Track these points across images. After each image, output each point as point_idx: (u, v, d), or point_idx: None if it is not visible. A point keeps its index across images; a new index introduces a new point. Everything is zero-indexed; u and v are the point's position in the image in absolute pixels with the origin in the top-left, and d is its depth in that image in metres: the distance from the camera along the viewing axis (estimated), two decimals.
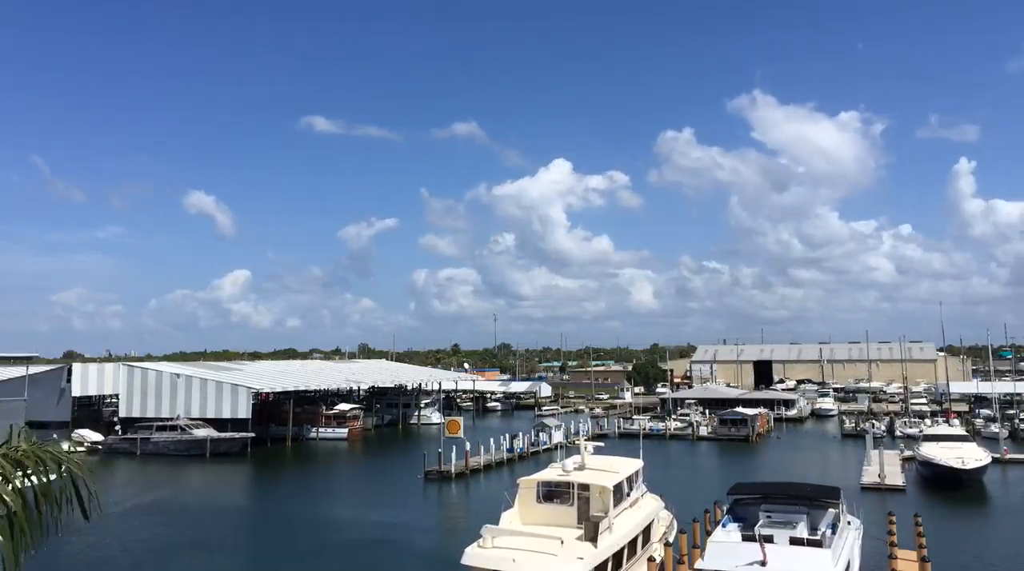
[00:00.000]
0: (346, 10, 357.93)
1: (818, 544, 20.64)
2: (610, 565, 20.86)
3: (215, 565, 30.20)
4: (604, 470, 24.39)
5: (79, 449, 68.53)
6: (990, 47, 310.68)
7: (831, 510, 23.47)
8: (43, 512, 7.23)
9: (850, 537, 22.86)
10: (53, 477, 7.50)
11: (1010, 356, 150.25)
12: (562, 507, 23.05)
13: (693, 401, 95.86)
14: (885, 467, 46.72)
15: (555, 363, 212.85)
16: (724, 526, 23.04)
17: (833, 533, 21.88)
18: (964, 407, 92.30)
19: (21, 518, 6.86)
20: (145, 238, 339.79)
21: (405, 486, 49.14)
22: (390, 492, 47.29)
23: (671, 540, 26.83)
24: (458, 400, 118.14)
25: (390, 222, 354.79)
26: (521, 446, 61.30)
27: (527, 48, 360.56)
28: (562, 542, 19.66)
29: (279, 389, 77.49)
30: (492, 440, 58.83)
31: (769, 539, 20.87)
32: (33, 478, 7.36)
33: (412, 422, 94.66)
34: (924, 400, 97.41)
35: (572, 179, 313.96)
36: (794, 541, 20.87)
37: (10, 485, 7.07)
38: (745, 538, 21.34)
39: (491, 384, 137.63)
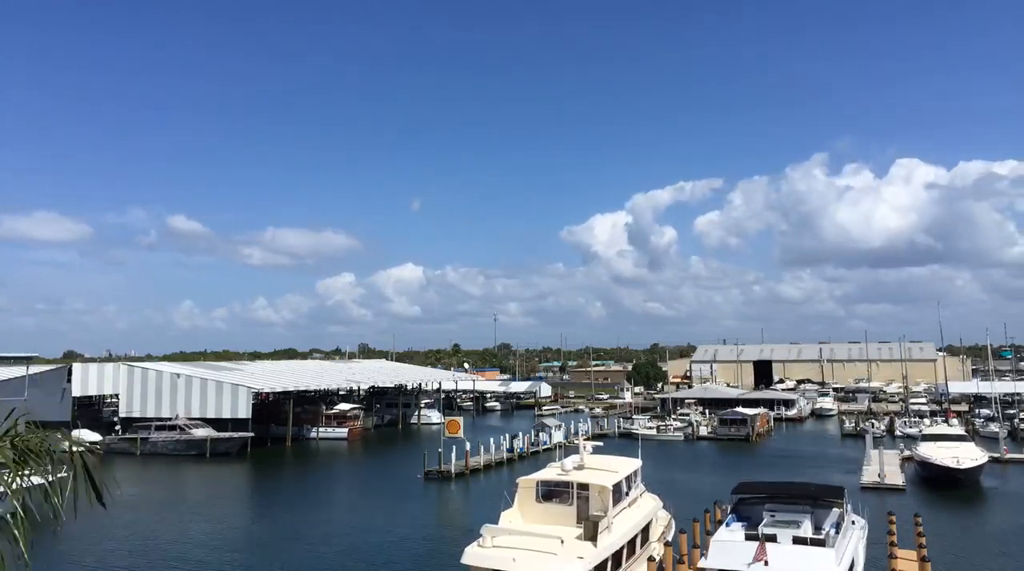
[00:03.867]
0: None
1: (822, 543, 20.59)
2: (609, 564, 20.84)
3: (214, 565, 30.19)
4: (603, 470, 24.37)
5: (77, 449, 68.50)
6: None
7: (835, 510, 23.44)
8: (53, 505, 7.24)
9: (854, 537, 22.83)
10: (62, 473, 7.52)
11: (1010, 356, 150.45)
12: (561, 506, 23.03)
13: (693, 401, 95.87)
14: (885, 467, 46.74)
15: (555, 363, 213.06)
16: (728, 525, 23.02)
17: (837, 533, 21.82)
18: (964, 407, 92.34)
19: (22, 514, 6.84)
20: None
21: (405, 486, 49.12)
22: (390, 492, 47.24)
23: (669, 539, 26.82)
24: (458, 400, 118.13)
25: None
26: (521, 446, 61.29)
27: None
28: (562, 541, 19.65)
29: (279, 389, 77.44)
30: (492, 440, 58.83)
31: (773, 538, 20.84)
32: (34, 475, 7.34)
33: (412, 422, 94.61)
34: (924, 400, 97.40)
35: None
36: (798, 540, 20.82)
37: (15, 477, 7.06)
38: (748, 537, 21.33)
39: (491, 384, 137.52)
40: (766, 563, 19.13)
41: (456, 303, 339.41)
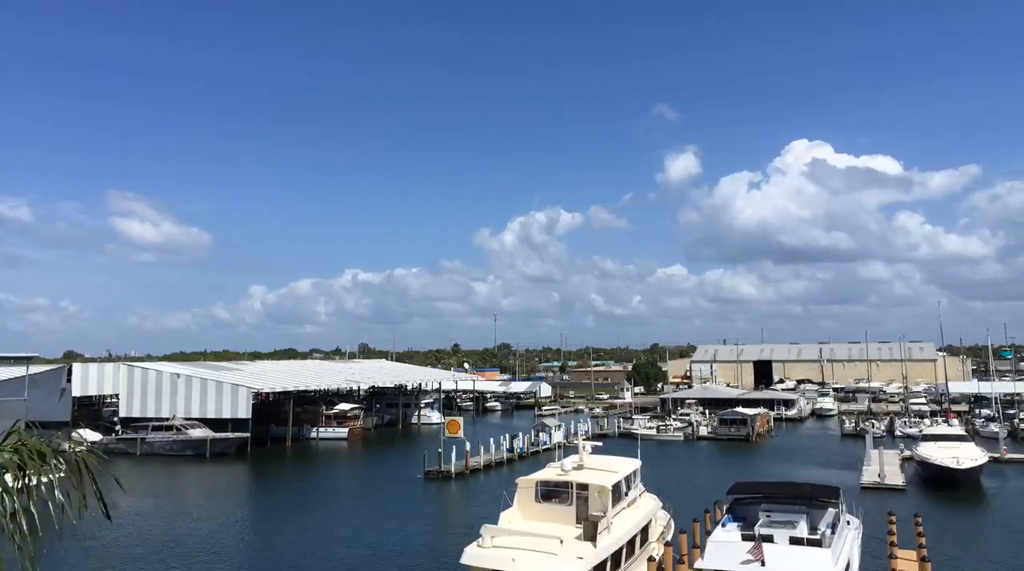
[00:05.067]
0: None
1: (818, 544, 20.63)
2: (609, 564, 20.85)
3: (213, 566, 30.17)
4: (603, 470, 24.39)
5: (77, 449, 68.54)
6: None
7: (831, 510, 23.47)
8: (54, 509, 7.15)
9: (849, 537, 22.86)
10: (59, 475, 7.43)
11: (1010, 356, 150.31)
12: (561, 507, 23.05)
13: (693, 401, 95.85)
14: (885, 467, 46.76)
15: (555, 363, 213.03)
16: (724, 526, 23.03)
17: (833, 533, 21.87)
18: (964, 407, 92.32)
19: (22, 516, 6.77)
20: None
21: (405, 486, 49.14)
22: (390, 492, 47.26)
23: (669, 539, 26.82)
24: (458, 400, 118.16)
25: None
26: (521, 446, 61.35)
27: None
28: (561, 542, 19.66)
29: (279, 389, 77.46)
30: (492, 440, 58.85)
31: (769, 539, 20.87)
32: (38, 476, 7.26)
33: (412, 422, 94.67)
34: (924, 400, 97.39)
35: None
36: (794, 541, 20.87)
37: (18, 482, 6.99)
38: (745, 538, 21.34)
39: (491, 384, 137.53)
40: (762, 563, 19.13)
41: (398, 305, 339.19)
